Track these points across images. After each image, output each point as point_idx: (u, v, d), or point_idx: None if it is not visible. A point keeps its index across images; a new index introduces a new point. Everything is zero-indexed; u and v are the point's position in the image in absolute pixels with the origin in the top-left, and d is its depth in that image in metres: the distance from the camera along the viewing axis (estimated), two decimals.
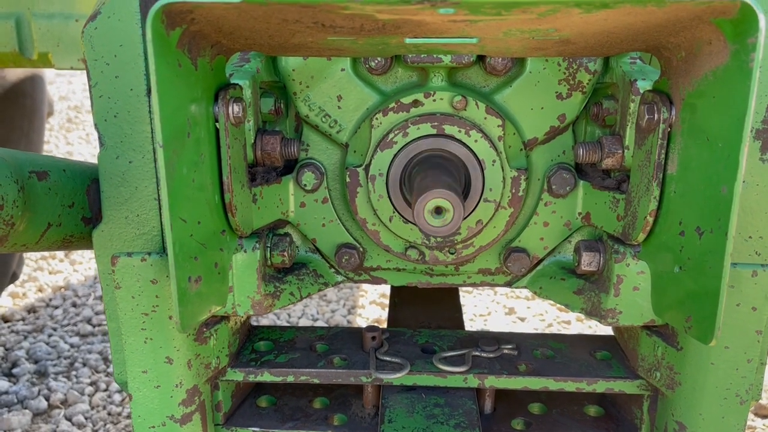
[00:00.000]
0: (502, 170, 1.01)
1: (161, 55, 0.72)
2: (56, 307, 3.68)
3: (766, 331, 0.95)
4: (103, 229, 0.99)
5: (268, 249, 1.04)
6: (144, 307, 0.95)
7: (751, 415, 2.84)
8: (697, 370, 0.96)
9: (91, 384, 2.94)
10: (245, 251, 0.99)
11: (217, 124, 0.89)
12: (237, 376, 1.09)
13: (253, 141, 1.01)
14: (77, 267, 4.07)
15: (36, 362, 3.10)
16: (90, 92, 0.94)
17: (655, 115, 0.86)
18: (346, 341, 1.16)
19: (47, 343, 3.32)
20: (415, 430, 0.99)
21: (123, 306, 0.95)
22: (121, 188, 0.97)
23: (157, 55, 0.71)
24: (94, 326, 3.57)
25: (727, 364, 0.95)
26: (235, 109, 0.89)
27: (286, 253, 1.04)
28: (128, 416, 2.75)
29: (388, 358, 1.10)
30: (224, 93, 0.88)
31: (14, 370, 2.96)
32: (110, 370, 3.15)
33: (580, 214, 1.07)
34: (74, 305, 3.74)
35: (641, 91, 0.93)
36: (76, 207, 1.01)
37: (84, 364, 3.11)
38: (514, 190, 1.03)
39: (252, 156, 1.02)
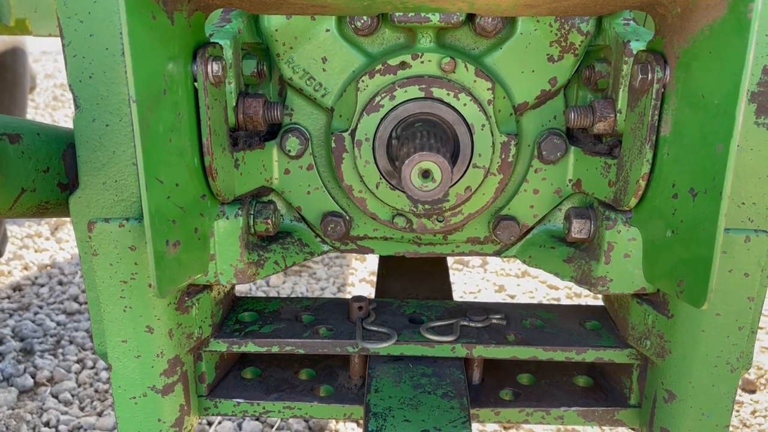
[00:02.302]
0: (492, 135, 0.99)
1: (134, 6, 0.68)
2: (42, 285, 3.64)
3: (758, 298, 0.94)
4: (80, 195, 0.96)
5: (251, 216, 1.01)
6: (122, 275, 0.92)
7: (738, 390, 2.86)
8: (687, 338, 0.95)
9: (78, 362, 2.91)
10: (227, 218, 0.96)
11: (196, 83, 0.86)
12: (220, 346, 1.07)
13: (234, 104, 0.98)
14: (63, 245, 4.02)
15: (22, 340, 3.07)
16: (63, 52, 0.90)
17: (649, 75, 0.84)
18: (332, 312, 1.14)
19: (33, 321, 3.29)
20: (402, 400, 0.98)
21: (101, 274, 0.92)
22: (98, 152, 0.94)
23: (129, 6, 0.67)
24: (80, 304, 3.53)
25: (718, 331, 0.93)
26: (215, 67, 0.86)
27: (269, 221, 1.01)
28: None
29: (374, 328, 1.08)
30: (203, 51, 0.85)
31: (0, 348, 2.93)
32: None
33: (570, 181, 1.04)
34: (60, 283, 3.71)
35: (634, 53, 0.90)
36: (51, 172, 0.97)
37: (70, 342, 3.08)
38: (503, 156, 1.01)
39: (234, 120, 0.99)
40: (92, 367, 2.86)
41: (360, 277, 3.61)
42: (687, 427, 0.98)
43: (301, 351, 1.07)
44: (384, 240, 1.10)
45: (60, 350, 2.99)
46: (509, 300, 3.49)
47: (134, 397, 0.98)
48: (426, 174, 0.84)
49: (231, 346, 1.07)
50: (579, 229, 1.00)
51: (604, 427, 1.55)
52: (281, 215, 1.08)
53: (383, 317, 1.12)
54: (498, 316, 1.12)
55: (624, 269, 0.96)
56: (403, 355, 1.07)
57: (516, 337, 1.08)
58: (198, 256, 0.92)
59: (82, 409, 2.63)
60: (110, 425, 2.49)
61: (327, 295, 3.51)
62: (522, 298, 3.42)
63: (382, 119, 0.98)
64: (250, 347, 1.06)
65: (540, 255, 1.07)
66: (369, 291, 3.54)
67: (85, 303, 3.53)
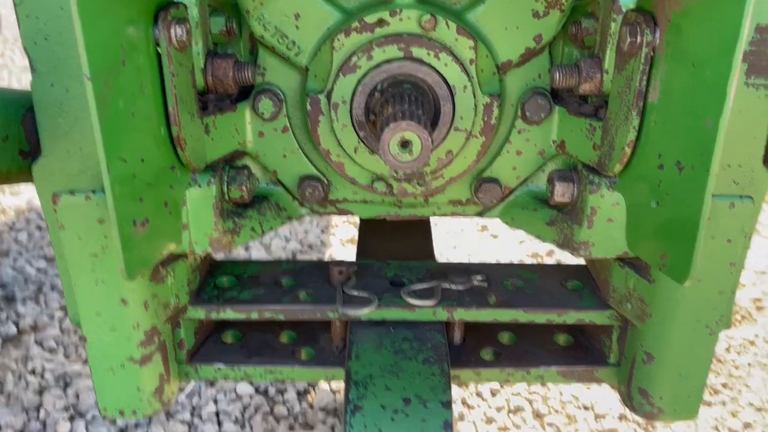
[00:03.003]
0: (474, 97, 0.94)
1: None
2: (20, 230, 3.60)
3: (740, 262, 0.93)
4: (44, 164, 0.91)
5: (225, 183, 0.97)
6: (92, 248, 0.89)
7: None
8: (668, 303, 0.95)
9: (61, 308, 2.90)
10: (199, 186, 0.93)
11: (158, 48, 0.81)
12: (198, 314, 1.05)
13: (202, 65, 0.92)
14: None
15: (2, 287, 3.05)
16: (15, 11, 0.84)
17: (638, 38, 0.79)
18: (312, 276, 1.12)
19: (13, 268, 3.26)
20: (382, 367, 0.97)
21: (69, 247, 0.89)
22: (59, 119, 0.89)
23: None
24: None
25: (699, 296, 0.93)
26: (178, 31, 0.80)
27: (244, 188, 0.98)
28: None
29: (355, 293, 1.07)
30: (165, 13, 0.79)
31: None
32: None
33: (554, 142, 1.01)
34: (39, 228, 3.65)
35: (623, 10, 0.86)
36: (11, 140, 0.92)
37: (52, 289, 3.06)
38: (486, 118, 0.97)
39: (202, 82, 0.93)
40: None
41: (344, 218, 3.60)
42: (664, 388, 0.99)
43: (281, 317, 1.06)
44: (364, 203, 1.08)
45: (42, 297, 2.98)
46: (492, 240, 3.51)
47: (111, 368, 0.97)
48: (405, 144, 0.80)
49: (209, 314, 1.05)
50: (562, 193, 0.98)
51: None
52: (256, 180, 1.04)
53: (364, 281, 1.11)
54: (479, 278, 1.11)
55: (607, 234, 0.94)
56: (384, 320, 1.06)
57: (497, 299, 1.07)
58: (170, 230, 0.89)
59: (67, 356, 2.64)
60: None
61: (311, 237, 3.51)
62: (506, 238, 3.43)
63: (359, 81, 0.93)
64: (229, 314, 1.05)
65: (522, 217, 1.05)
66: (353, 233, 3.53)
67: None
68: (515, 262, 3.30)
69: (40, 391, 2.41)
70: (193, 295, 1.06)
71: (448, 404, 0.91)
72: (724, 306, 0.94)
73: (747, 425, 2.34)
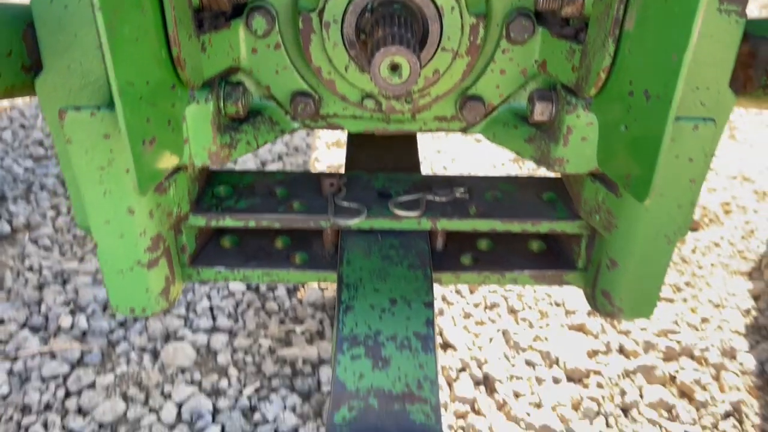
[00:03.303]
0: (461, 17, 0.98)
1: None
2: (4, 129, 3.58)
3: (700, 179, 1.01)
4: (46, 79, 0.95)
5: (221, 99, 1.02)
6: (99, 161, 0.94)
7: None
8: (632, 215, 1.03)
9: (52, 207, 2.97)
10: (198, 102, 0.97)
11: None
12: (199, 221, 1.13)
13: None
14: None
15: None
16: None
17: None
18: (305, 186, 1.19)
19: (1, 167, 3.28)
20: (371, 271, 1.07)
21: (77, 161, 0.94)
22: (59, 36, 0.92)
23: None
24: (46, 149, 3.51)
25: (660, 209, 1.02)
26: None
27: (240, 103, 1.03)
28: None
29: (345, 204, 1.14)
30: None
31: None
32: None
33: (536, 61, 1.06)
34: (23, 127, 3.65)
35: None
36: (14, 55, 0.95)
37: (42, 188, 3.11)
38: (472, 38, 1.01)
39: (198, 1, 0.96)
40: (67, 214, 2.92)
41: None
42: (624, 291, 1.10)
43: (277, 225, 1.14)
44: (353, 118, 1.13)
45: (32, 196, 3.03)
46: (475, 143, 3.58)
47: (122, 271, 1.05)
48: (395, 68, 0.85)
49: (209, 221, 1.12)
50: (541, 112, 1.04)
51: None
52: (251, 95, 1.09)
53: (353, 192, 1.18)
54: (461, 190, 1.18)
55: (580, 151, 1.01)
56: (372, 229, 1.14)
57: (477, 210, 1.15)
58: (173, 145, 0.94)
59: (62, 254, 2.73)
60: (93, 269, 2.61)
61: (296, 139, 3.54)
62: (488, 143, 3.49)
63: (348, 4, 0.96)
64: (228, 222, 1.13)
65: (503, 133, 1.11)
66: (338, 136, 3.57)
67: (51, 147, 3.51)
68: (497, 165, 3.38)
69: (40, 287, 2.52)
70: (194, 204, 1.13)
71: (430, 304, 1.01)
72: (683, 218, 1.03)
73: (704, 320, 2.52)
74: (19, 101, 3.73)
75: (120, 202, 0.98)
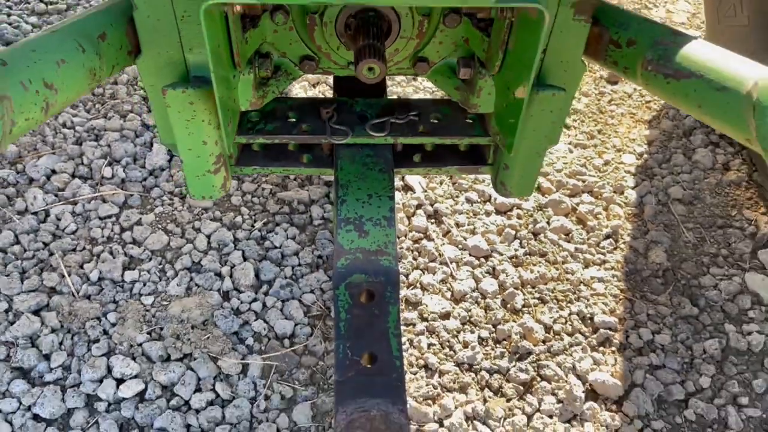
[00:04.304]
0: (413, 18, 1.51)
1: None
2: None
3: (559, 121, 1.62)
4: (143, 60, 1.48)
5: (257, 68, 1.56)
6: (186, 116, 1.51)
7: (603, 82, 3.68)
8: (516, 141, 1.66)
9: None
10: (244, 74, 1.52)
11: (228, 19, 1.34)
12: (241, 140, 1.72)
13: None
14: None
15: (7, 44, 3.47)
16: None
17: (506, 12, 1.37)
18: (308, 112, 1.77)
19: (9, 24, 3.62)
20: (356, 174, 1.69)
21: (173, 116, 1.50)
22: (150, 29, 1.43)
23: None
24: (47, 4, 3.81)
25: (533, 141, 1.63)
26: (237, 8, 1.33)
27: (268, 70, 1.57)
28: (112, 97, 3.32)
29: (337, 126, 1.73)
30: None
31: None
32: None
33: (462, 38, 1.60)
34: None
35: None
36: (123, 48, 1.47)
37: None
38: (420, 29, 1.55)
39: (240, 9, 1.46)
40: None
41: None
42: (513, 183, 1.76)
43: (293, 142, 1.74)
44: (341, 69, 1.68)
45: None
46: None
47: (198, 176, 1.66)
48: (371, 69, 1.41)
49: (249, 140, 1.72)
50: (464, 73, 1.61)
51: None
52: (273, 61, 1.62)
53: (342, 116, 1.76)
54: (413, 113, 1.77)
55: (486, 101, 1.60)
56: (355, 143, 1.75)
57: (424, 128, 1.75)
58: (235, 108, 1.52)
59: (88, 111, 3.24)
60: (117, 126, 3.15)
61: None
62: None
63: (341, 9, 1.48)
64: (260, 140, 1.72)
65: (441, 81, 1.68)
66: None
67: (51, 3, 3.81)
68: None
69: (78, 142, 3.08)
70: (237, 128, 1.71)
71: (392, 197, 1.65)
72: (549, 143, 1.66)
73: (606, 162, 3.24)
74: None
75: (198, 137, 1.56)
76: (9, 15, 3.67)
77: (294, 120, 1.76)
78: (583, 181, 3.11)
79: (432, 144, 1.87)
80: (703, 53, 1.31)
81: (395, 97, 3.41)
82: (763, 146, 1.12)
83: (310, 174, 1.78)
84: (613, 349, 2.49)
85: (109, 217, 2.79)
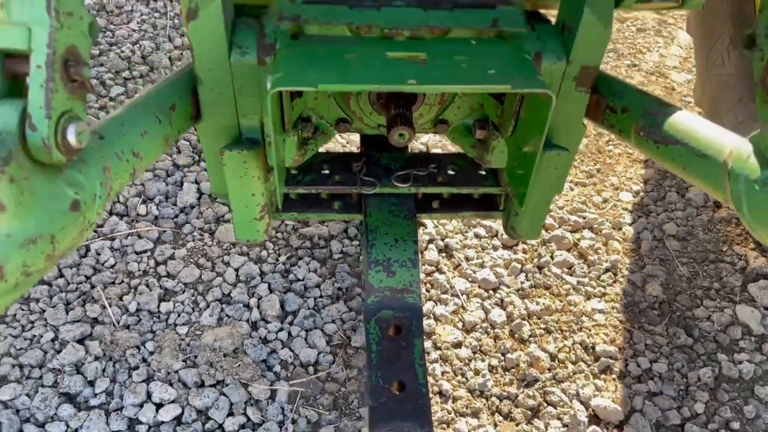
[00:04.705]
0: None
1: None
2: None
3: (562, 176, 1.84)
4: (203, 125, 1.71)
5: (300, 131, 1.79)
6: (239, 173, 1.73)
7: None
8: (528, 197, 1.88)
9: (101, 108, 3.64)
10: (290, 137, 1.75)
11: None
12: (284, 191, 1.94)
13: None
14: None
15: None
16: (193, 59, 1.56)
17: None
18: (339, 165, 1.99)
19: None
20: (383, 220, 1.92)
21: (228, 172, 1.73)
22: (212, 107, 1.66)
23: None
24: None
25: (540, 191, 1.86)
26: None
27: (309, 132, 1.80)
28: None
29: (366, 178, 1.96)
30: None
31: None
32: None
33: (479, 102, 1.84)
34: None
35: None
36: (187, 116, 1.70)
37: None
38: (441, 96, 1.78)
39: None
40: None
41: None
42: (522, 227, 1.98)
43: (327, 192, 1.97)
44: (371, 129, 1.91)
45: None
46: None
47: (244, 222, 1.88)
48: (401, 135, 1.64)
49: (290, 190, 1.94)
50: (479, 133, 1.84)
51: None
52: (314, 123, 1.85)
53: (370, 168, 1.99)
54: (433, 166, 2.00)
55: (499, 158, 1.82)
56: (382, 193, 1.97)
57: (442, 179, 1.98)
58: (284, 161, 1.75)
59: None
60: (150, 167, 3.37)
61: None
62: None
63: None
64: (299, 191, 1.94)
65: (458, 139, 1.91)
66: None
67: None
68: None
69: None
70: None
71: (416, 241, 1.87)
72: (554, 193, 1.88)
73: (605, 200, 3.47)
74: None
75: (248, 190, 1.78)
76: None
77: (327, 172, 1.99)
78: (584, 218, 3.33)
79: (449, 194, 2.10)
80: (686, 123, 1.53)
81: (416, 150, 3.67)
82: (736, 207, 1.34)
83: (340, 219, 2.00)
84: (614, 376, 2.70)
85: (145, 251, 3.01)
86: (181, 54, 4.02)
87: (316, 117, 1.86)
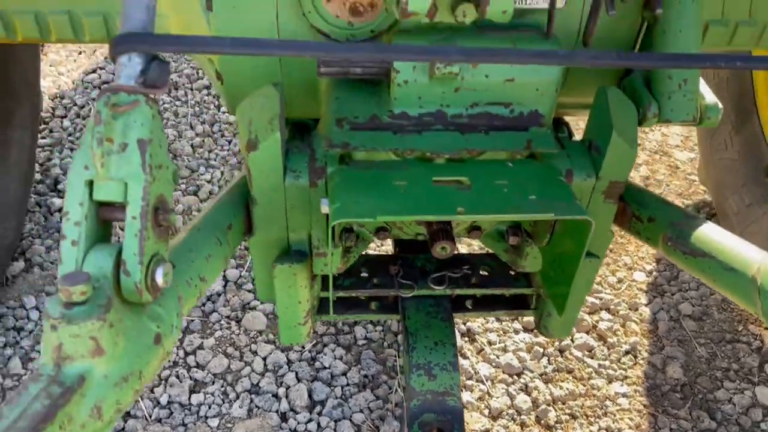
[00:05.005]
0: None
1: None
2: (63, 117, 4.23)
3: (590, 282, 1.93)
4: (255, 240, 1.81)
5: (343, 241, 1.89)
6: (288, 283, 1.82)
7: None
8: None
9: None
10: (336, 247, 1.85)
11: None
12: (325, 294, 2.03)
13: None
14: None
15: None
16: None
17: None
18: (378, 269, 2.09)
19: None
20: (421, 323, 2.00)
21: (277, 283, 1.82)
22: (263, 224, 1.76)
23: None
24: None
25: (574, 293, 1.95)
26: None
27: (351, 242, 1.90)
28: None
29: (403, 281, 2.05)
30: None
31: None
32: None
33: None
34: (79, 116, 4.30)
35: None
36: (242, 231, 1.79)
37: None
38: None
39: None
40: None
41: None
42: (554, 326, 2.06)
43: (366, 295, 2.05)
44: (408, 236, 2.02)
45: None
46: None
47: (290, 327, 1.96)
48: (443, 248, 1.74)
49: (333, 295, 2.03)
50: (513, 240, 1.94)
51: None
52: (355, 232, 1.96)
53: (407, 270, 2.08)
54: (466, 267, 2.10)
55: (533, 263, 1.92)
56: (419, 294, 2.06)
57: (476, 280, 2.08)
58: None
59: None
60: None
61: None
62: None
63: None
64: (340, 294, 2.03)
65: (492, 244, 2.01)
66: None
67: None
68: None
69: None
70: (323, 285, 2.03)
71: (455, 344, 1.95)
72: (584, 293, 1.97)
73: (620, 280, 3.55)
74: (68, 87, 4.36)
75: (295, 299, 1.87)
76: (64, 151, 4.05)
77: (366, 275, 2.08)
78: (600, 299, 3.41)
79: (483, 294, 2.19)
80: (713, 236, 1.63)
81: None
82: None
83: (377, 319, 2.08)
84: None
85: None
86: (203, 141, 4.17)
87: (357, 227, 1.96)
